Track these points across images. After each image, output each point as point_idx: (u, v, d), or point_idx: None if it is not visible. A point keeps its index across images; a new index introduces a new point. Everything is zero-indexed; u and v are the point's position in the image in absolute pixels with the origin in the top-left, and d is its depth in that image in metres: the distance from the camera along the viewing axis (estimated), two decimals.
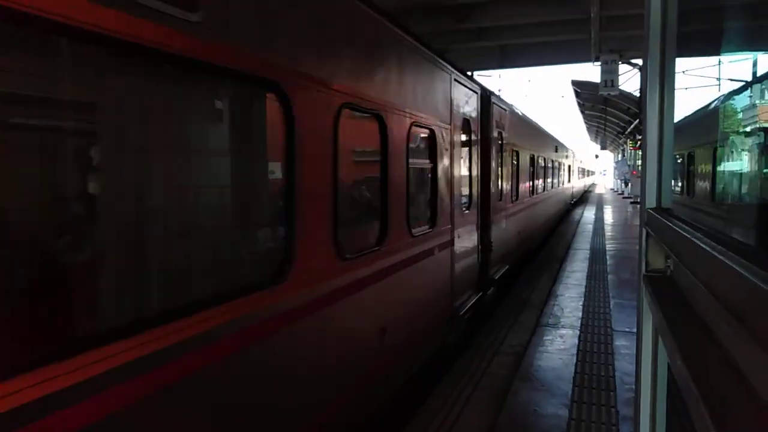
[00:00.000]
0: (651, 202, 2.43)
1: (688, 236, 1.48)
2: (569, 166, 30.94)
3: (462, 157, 7.54)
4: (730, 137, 9.85)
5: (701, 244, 1.29)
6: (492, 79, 42.62)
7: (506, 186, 10.53)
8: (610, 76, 19.18)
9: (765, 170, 6.59)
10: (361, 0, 4.60)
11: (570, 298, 9.57)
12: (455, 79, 7.25)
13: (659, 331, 1.97)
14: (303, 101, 3.47)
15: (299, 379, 3.62)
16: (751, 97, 9.03)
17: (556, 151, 22.58)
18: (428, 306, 6.18)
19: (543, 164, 17.57)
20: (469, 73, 9.23)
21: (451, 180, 6.85)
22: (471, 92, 8.20)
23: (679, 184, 13.98)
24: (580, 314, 8.45)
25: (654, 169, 2.41)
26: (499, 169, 9.87)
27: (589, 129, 62.15)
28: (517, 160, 12.16)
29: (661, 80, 2.38)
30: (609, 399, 5.35)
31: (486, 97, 9.08)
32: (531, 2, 19.45)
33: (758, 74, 8.54)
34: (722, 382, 1.06)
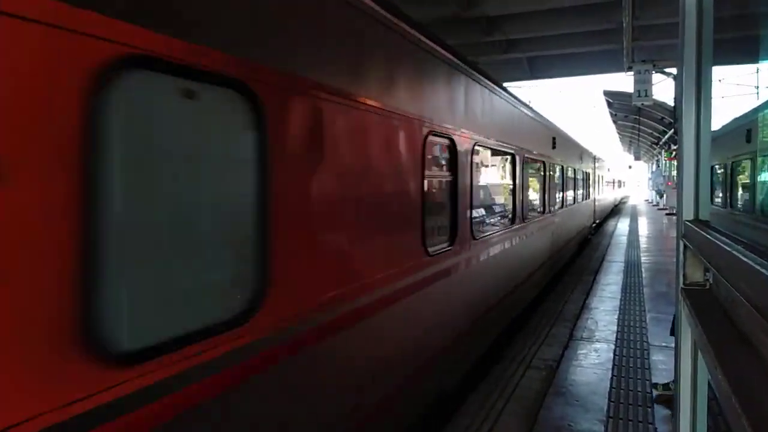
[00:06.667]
0: (688, 213, 2.38)
1: (729, 249, 1.44)
2: (613, 180, 49.72)
3: (589, 181, 20.03)
4: None
5: (743, 258, 1.25)
6: (523, 90, 42.40)
7: (593, 191, 23.26)
8: (643, 86, 18.87)
9: None
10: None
11: (604, 311, 9.37)
12: (586, 150, 18.14)
13: (699, 345, 1.91)
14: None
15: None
16: None
17: (608, 171, 38.12)
18: (587, 220, 20.05)
19: (603, 180, 31.85)
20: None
21: (593, 186, 22.34)
22: (593, 155, 21.41)
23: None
24: (615, 328, 8.26)
25: (691, 180, 2.36)
26: (594, 184, 22.84)
27: (622, 139, 61.05)
28: (595, 179, 24.31)
29: (698, 89, 2.34)
30: (646, 415, 5.20)
31: (595, 155, 22.62)
32: (560, 14, 19.34)
33: None
34: (767, 399, 1.03)
